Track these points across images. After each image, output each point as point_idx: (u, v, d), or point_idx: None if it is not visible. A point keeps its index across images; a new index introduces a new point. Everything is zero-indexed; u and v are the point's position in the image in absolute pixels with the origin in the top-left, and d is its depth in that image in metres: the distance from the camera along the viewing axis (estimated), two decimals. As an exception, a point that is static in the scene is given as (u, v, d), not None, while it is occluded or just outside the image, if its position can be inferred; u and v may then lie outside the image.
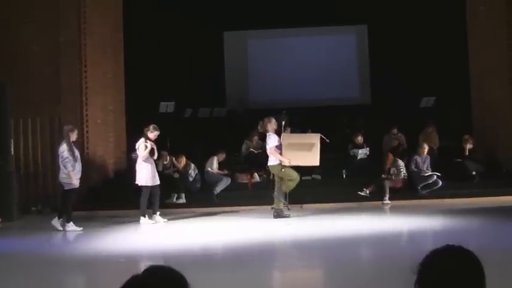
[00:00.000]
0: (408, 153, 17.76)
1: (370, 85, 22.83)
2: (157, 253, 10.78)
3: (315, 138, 14.26)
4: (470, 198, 15.84)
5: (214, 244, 11.64)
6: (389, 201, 15.95)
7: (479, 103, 18.84)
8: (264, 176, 17.50)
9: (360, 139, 18.18)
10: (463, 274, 2.41)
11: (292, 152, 13.76)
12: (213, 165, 17.01)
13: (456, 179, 16.90)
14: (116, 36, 18.35)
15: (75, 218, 13.34)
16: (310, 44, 23.10)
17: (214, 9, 21.67)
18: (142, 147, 13.95)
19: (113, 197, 16.40)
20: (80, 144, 17.01)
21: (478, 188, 16.62)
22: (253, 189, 17.24)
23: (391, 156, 16.89)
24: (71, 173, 13.05)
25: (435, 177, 16.47)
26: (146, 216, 13.87)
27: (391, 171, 16.55)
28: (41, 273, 9.20)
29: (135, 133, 17.26)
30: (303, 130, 17.11)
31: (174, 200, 16.47)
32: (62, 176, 13.21)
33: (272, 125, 14.01)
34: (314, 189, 16.37)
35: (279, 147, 13.79)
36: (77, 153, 13.40)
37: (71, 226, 13.09)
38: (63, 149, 13.12)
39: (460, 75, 19.54)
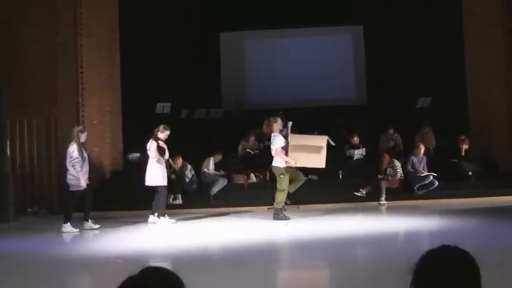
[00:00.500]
0: (404, 153, 17.79)
1: (366, 85, 22.85)
2: (154, 254, 10.77)
3: (322, 141, 14.20)
4: (466, 199, 15.87)
5: (211, 245, 11.64)
6: (385, 202, 15.96)
7: (475, 103, 18.87)
8: (261, 176, 17.51)
9: (356, 140, 18.20)
10: (458, 274, 2.41)
11: (299, 153, 13.72)
12: (210, 166, 17.01)
13: (452, 179, 16.93)
14: (112, 37, 18.34)
15: (74, 218, 13.34)
16: (307, 44, 23.11)
17: (211, 9, 21.68)
18: (153, 148, 14.00)
19: (109, 197, 16.37)
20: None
21: (474, 189, 16.64)
22: (249, 190, 17.24)
23: (387, 157, 16.91)
24: (80, 174, 13.08)
25: (431, 177, 16.49)
26: (166, 216, 13.93)
27: (388, 172, 16.57)
28: (38, 275, 9.19)
29: (131, 134, 17.29)
30: (300, 131, 17.08)
31: (171, 201, 16.45)
32: (69, 177, 13.26)
33: (278, 125, 13.93)
34: (310, 190, 16.36)
35: (285, 148, 13.75)
36: (85, 154, 13.47)
37: (67, 227, 13.09)
38: (73, 149, 13.19)
39: (456, 75, 19.57)
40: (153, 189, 14.08)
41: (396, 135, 18.96)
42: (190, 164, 17.00)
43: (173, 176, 16.67)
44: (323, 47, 23.07)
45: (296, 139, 13.98)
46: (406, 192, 16.47)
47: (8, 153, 15.76)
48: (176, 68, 21.19)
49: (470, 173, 17.13)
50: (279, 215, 13.72)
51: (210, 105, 21.98)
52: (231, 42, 23.50)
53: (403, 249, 10.47)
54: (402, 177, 16.58)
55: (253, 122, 19.46)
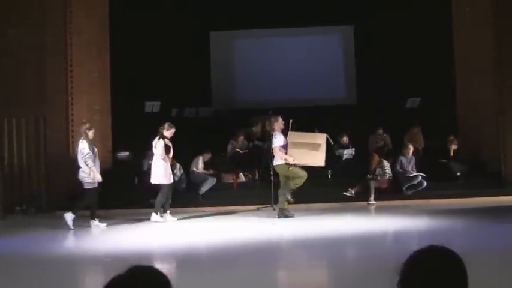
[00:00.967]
0: (393, 153, 17.80)
1: (356, 85, 22.84)
2: (143, 253, 10.75)
3: (321, 139, 14.25)
4: (455, 199, 15.90)
5: (200, 244, 11.63)
6: (374, 202, 15.97)
7: (464, 103, 18.94)
8: (249, 176, 17.52)
9: (345, 139, 18.22)
10: (445, 274, 2.42)
11: (298, 151, 13.74)
12: (199, 165, 17.00)
13: (441, 179, 17.00)
14: (101, 35, 18.28)
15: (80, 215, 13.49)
16: (297, 44, 23.09)
17: (201, 9, 21.64)
18: (160, 146, 14.01)
19: (98, 196, 16.27)
20: (66, 144, 16.99)
21: (462, 189, 16.71)
22: (238, 189, 17.24)
23: (376, 157, 16.94)
24: (93, 168, 13.28)
25: (420, 177, 16.54)
26: (159, 213, 14.07)
27: (377, 172, 16.59)
28: (26, 273, 9.16)
29: (120, 133, 17.26)
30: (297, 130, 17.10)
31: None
32: (82, 174, 13.41)
33: (279, 124, 14.00)
34: (299, 190, 16.31)
35: (285, 147, 13.77)
36: (95, 150, 13.68)
37: (95, 223, 13.41)
38: (84, 145, 13.35)
39: (445, 76, 19.63)
40: (157, 187, 14.27)
41: (385, 135, 18.99)
42: (179, 163, 16.96)
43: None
44: (313, 46, 23.06)
45: (294, 137, 13.99)
46: (395, 192, 16.50)
47: (-3, 151, 15.72)
48: (166, 67, 21.14)
49: (458, 174, 17.20)
50: (283, 213, 13.85)
51: (200, 105, 21.95)
52: (221, 41, 23.45)
53: (392, 249, 10.50)
54: (391, 177, 16.62)
55: (243, 121, 19.49)
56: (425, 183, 16.47)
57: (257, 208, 15.42)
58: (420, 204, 15.53)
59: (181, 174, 16.86)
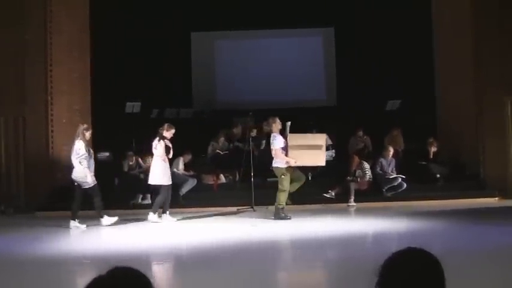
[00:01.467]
0: (374, 155, 17.86)
1: (336, 87, 22.90)
2: (123, 254, 10.70)
3: (321, 139, 14.33)
4: (434, 201, 16.00)
5: (183, 245, 11.62)
6: (354, 203, 16.03)
7: (443, 105, 19.04)
8: (230, 177, 17.52)
9: (325, 141, 18.24)
10: (423, 276, 2.44)
11: (299, 152, 13.76)
12: (179, 166, 16.97)
13: (421, 181, 17.08)
14: (82, 35, 18.20)
15: (70, 216, 13.42)
16: (277, 45, 23.12)
17: (182, 9, 21.61)
18: (160, 147, 14.02)
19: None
20: (45, 144, 16.91)
21: (442, 191, 16.79)
22: (219, 190, 17.23)
23: (356, 159, 17.00)
24: (86, 170, 13.22)
25: (400, 179, 16.60)
26: (156, 213, 14.11)
27: (357, 174, 16.65)
28: (7, 274, 9.11)
29: (101, 133, 17.18)
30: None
31: (140, 200, 16.43)
32: (76, 175, 13.35)
33: (277, 125, 13.99)
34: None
35: (285, 148, 13.78)
36: (92, 151, 13.71)
37: (75, 224, 13.36)
38: (80, 146, 13.31)
39: (425, 78, 19.72)
40: (156, 188, 14.37)
41: (366, 137, 19.05)
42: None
43: (142, 176, 16.61)
44: (294, 48, 23.09)
45: (295, 139, 14.01)
46: (374, 194, 16.56)
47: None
48: (147, 68, 21.10)
49: (438, 176, 17.29)
50: (279, 215, 13.80)
51: (181, 105, 21.91)
52: (202, 42, 23.43)
53: (371, 251, 10.50)
54: (371, 179, 16.68)
55: (224, 123, 19.46)
56: (405, 185, 16.54)
57: (237, 210, 15.45)
58: (400, 206, 15.59)
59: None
